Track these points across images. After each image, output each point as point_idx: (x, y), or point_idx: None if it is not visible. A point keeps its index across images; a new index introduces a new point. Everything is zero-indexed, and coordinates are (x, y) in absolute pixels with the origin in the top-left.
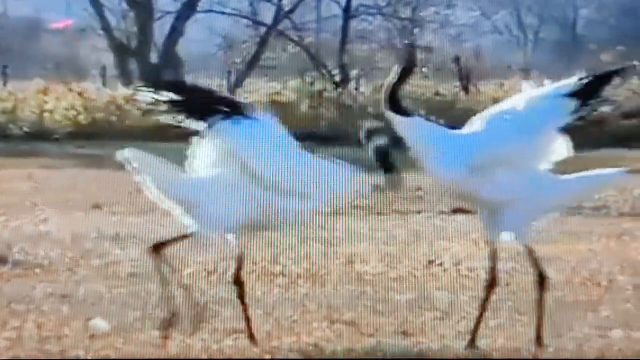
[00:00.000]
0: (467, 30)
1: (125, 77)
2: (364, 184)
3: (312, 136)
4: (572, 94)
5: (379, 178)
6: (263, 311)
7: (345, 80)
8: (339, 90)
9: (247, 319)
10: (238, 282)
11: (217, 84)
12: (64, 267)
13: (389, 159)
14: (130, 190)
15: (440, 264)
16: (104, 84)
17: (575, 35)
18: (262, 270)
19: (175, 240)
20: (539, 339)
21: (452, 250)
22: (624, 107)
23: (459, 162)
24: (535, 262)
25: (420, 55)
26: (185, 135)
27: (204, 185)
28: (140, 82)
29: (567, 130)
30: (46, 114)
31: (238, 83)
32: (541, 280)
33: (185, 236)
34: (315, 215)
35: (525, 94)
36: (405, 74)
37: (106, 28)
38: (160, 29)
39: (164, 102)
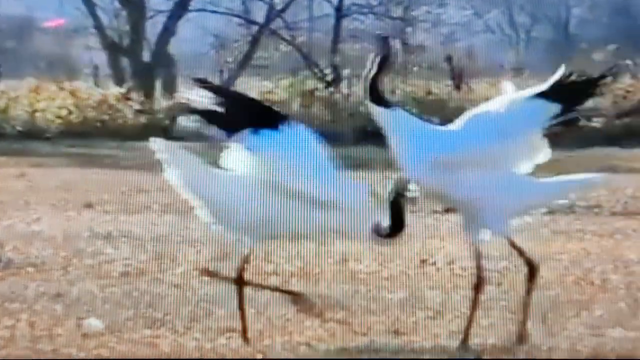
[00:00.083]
0: (459, 29)
1: (118, 76)
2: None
3: None
4: (555, 98)
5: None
6: (255, 310)
7: (337, 79)
8: (331, 89)
9: (243, 319)
10: (239, 281)
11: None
12: (57, 266)
13: (402, 216)
14: (123, 190)
15: (433, 263)
16: (96, 83)
17: (567, 34)
18: (255, 269)
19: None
20: (522, 333)
21: (445, 249)
22: (616, 107)
23: (430, 157)
24: (521, 252)
25: (412, 54)
26: (179, 135)
27: (229, 184)
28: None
29: (558, 129)
30: (38, 113)
31: (230, 82)
32: (531, 270)
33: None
34: (332, 230)
35: (508, 96)
36: (384, 64)
37: (98, 27)
38: (153, 28)
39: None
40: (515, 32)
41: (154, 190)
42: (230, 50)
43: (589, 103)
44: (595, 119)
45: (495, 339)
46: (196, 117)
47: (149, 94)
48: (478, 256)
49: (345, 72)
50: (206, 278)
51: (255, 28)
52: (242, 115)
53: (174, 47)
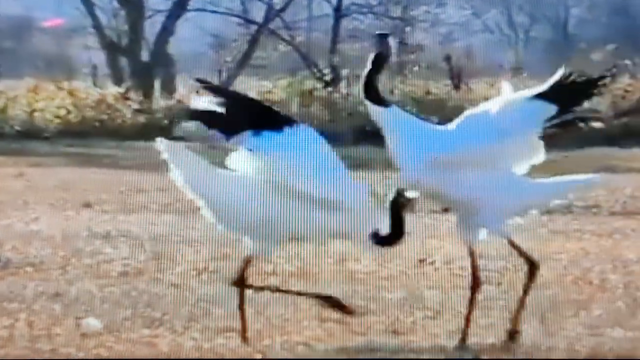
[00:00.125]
0: (458, 29)
1: (116, 76)
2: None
3: None
4: (553, 99)
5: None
6: (254, 310)
7: (336, 79)
8: (329, 89)
9: (243, 319)
10: (240, 283)
11: None
12: (56, 266)
13: (402, 224)
14: (122, 189)
15: (432, 263)
16: (94, 82)
17: (566, 34)
18: (254, 269)
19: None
20: (514, 330)
21: (444, 249)
22: (615, 107)
23: (427, 157)
24: (520, 251)
25: (411, 54)
26: (179, 135)
27: (233, 185)
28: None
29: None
30: (37, 113)
31: (229, 82)
32: (532, 269)
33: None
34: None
35: (506, 97)
36: (380, 62)
37: (97, 26)
38: (151, 28)
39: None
40: (514, 32)
41: (152, 190)
42: (229, 50)
43: (587, 104)
44: (593, 122)
45: (494, 339)
46: (197, 120)
47: (147, 93)
48: (473, 256)
49: (344, 72)
50: (236, 288)
51: (254, 28)
52: (243, 117)
53: (173, 46)
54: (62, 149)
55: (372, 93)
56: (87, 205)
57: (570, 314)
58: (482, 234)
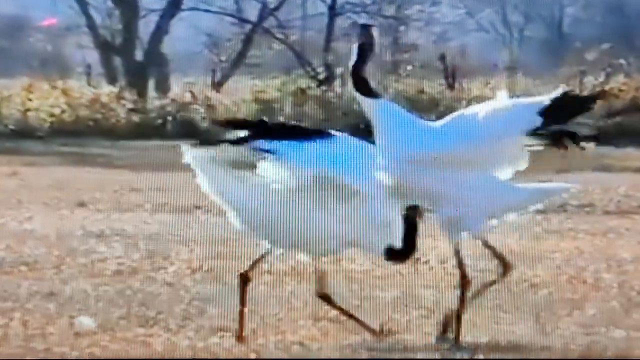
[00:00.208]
0: (453, 28)
1: (110, 75)
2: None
3: None
4: (542, 113)
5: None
6: (249, 309)
7: (330, 78)
8: (323, 87)
9: (242, 317)
10: (245, 278)
11: (202, 81)
12: (50, 265)
13: (415, 238)
14: (116, 188)
15: (426, 262)
16: (88, 82)
17: (561, 34)
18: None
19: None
20: (447, 322)
21: (438, 248)
22: (610, 106)
23: (410, 153)
24: (494, 252)
25: (405, 53)
26: (168, 134)
27: (259, 192)
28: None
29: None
30: (31, 112)
31: (223, 81)
32: (505, 269)
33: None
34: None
35: (496, 102)
36: (364, 53)
37: (91, 26)
38: (145, 27)
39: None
40: (508, 31)
41: (146, 189)
42: (223, 49)
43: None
44: (584, 142)
45: (489, 338)
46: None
47: (141, 93)
48: (459, 255)
49: (339, 70)
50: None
51: (248, 27)
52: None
53: (167, 46)
54: (56, 148)
55: (360, 84)
56: (82, 204)
57: (565, 313)
58: (465, 233)
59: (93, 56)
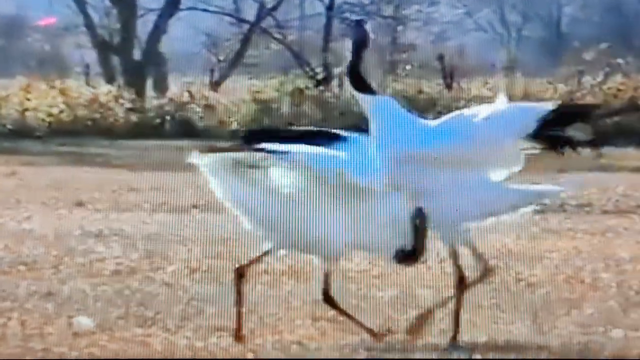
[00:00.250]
0: (451, 28)
1: (108, 75)
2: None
3: None
4: (539, 118)
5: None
6: (246, 309)
7: (328, 78)
8: (321, 87)
9: (239, 316)
10: (239, 273)
11: (200, 81)
12: (48, 265)
13: (424, 240)
14: (114, 188)
15: (424, 262)
16: (86, 81)
17: (559, 33)
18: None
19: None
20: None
21: (436, 247)
22: (608, 105)
23: (403, 149)
24: (475, 253)
25: (403, 53)
26: (167, 134)
27: (273, 198)
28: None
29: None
30: (29, 112)
31: (221, 80)
32: (485, 271)
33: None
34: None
35: (495, 105)
36: (359, 49)
37: (89, 25)
38: (144, 26)
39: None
40: (506, 30)
41: (145, 189)
42: (221, 49)
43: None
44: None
45: (487, 337)
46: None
47: (140, 92)
48: (454, 255)
49: (337, 70)
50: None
51: (246, 27)
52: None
53: (165, 45)
54: (55, 147)
55: (357, 81)
56: (80, 204)
57: (563, 312)
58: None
59: (91, 56)
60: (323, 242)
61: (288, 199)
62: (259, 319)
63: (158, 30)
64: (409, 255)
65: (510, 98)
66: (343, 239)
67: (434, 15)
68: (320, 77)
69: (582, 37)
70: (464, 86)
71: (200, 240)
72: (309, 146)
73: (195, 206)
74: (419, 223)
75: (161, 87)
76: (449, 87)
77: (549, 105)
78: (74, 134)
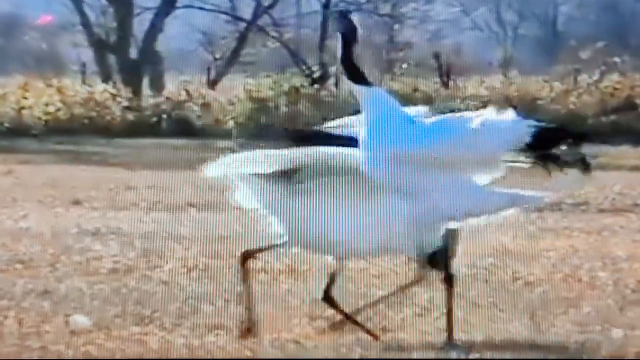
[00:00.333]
0: (447, 27)
1: (105, 73)
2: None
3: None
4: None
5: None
6: (244, 307)
7: (324, 76)
8: (316, 86)
9: (248, 301)
10: (245, 257)
11: (197, 79)
12: (45, 263)
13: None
14: (111, 187)
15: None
16: (83, 80)
17: (555, 32)
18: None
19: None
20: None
21: None
22: (604, 104)
23: (391, 147)
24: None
25: (400, 51)
26: (163, 132)
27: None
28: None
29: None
30: (25, 110)
31: (217, 79)
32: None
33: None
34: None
35: (490, 114)
36: (348, 41)
37: (85, 24)
38: (140, 25)
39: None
40: (502, 29)
41: (142, 187)
42: (217, 47)
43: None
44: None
45: (484, 336)
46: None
47: (136, 91)
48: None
49: (333, 69)
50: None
51: (242, 25)
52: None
53: (161, 44)
54: (51, 146)
55: (352, 72)
56: (76, 202)
57: (560, 311)
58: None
59: (88, 54)
60: (345, 244)
61: (313, 198)
62: (256, 317)
63: (154, 28)
64: (440, 261)
65: (507, 97)
66: (365, 240)
67: (430, 13)
68: (316, 75)
69: (578, 36)
70: (461, 84)
71: (197, 238)
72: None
73: (192, 204)
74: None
75: (157, 85)
76: (445, 85)
77: (543, 123)
78: (70, 133)
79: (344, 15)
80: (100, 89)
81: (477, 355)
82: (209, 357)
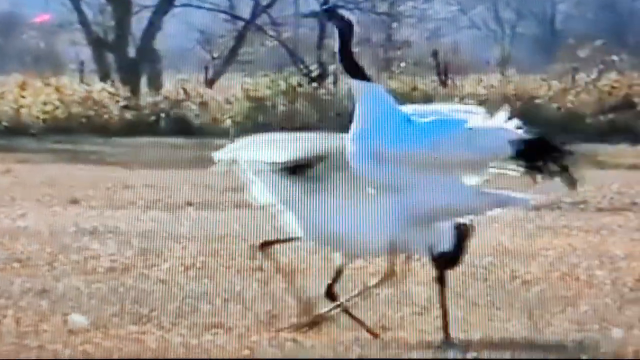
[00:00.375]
0: (445, 25)
1: (103, 72)
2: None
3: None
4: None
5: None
6: (242, 306)
7: (322, 75)
8: (314, 84)
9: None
10: (264, 246)
11: (194, 78)
12: (43, 262)
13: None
14: (109, 186)
15: (419, 259)
16: (81, 78)
17: (553, 30)
18: (240, 265)
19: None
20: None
21: None
22: (602, 103)
23: (381, 145)
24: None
25: (398, 50)
26: (161, 131)
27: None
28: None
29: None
30: (23, 109)
31: (215, 78)
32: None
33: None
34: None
35: (483, 119)
36: (344, 34)
37: (83, 22)
38: (138, 23)
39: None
40: (500, 28)
41: (139, 186)
42: (215, 46)
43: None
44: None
45: (482, 335)
46: None
47: (134, 89)
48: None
49: (331, 68)
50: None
51: (240, 24)
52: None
53: (160, 42)
54: (49, 145)
55: (349, 66)
56: (74, 201)
57: (558, 310)
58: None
59: (86, 53)
60: (359, 241)
61: (330, 196)
62: (255, 316)
63: (152, 27)
64: (451, 260)
65: (504, 95)
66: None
67: (428, 12)
68: (314, 74)
69: (576, 34)
70: (458, 83)
71: (195, 237)
72: None
73: (189, 203)
74: (463, 228)
75: (155, 84)
76: (443, 84)
77: (532, 134)
78: (68, 131)
79: (331, 11)
80: (98, 88)
81: (474, 354)
82: (206, 357)
